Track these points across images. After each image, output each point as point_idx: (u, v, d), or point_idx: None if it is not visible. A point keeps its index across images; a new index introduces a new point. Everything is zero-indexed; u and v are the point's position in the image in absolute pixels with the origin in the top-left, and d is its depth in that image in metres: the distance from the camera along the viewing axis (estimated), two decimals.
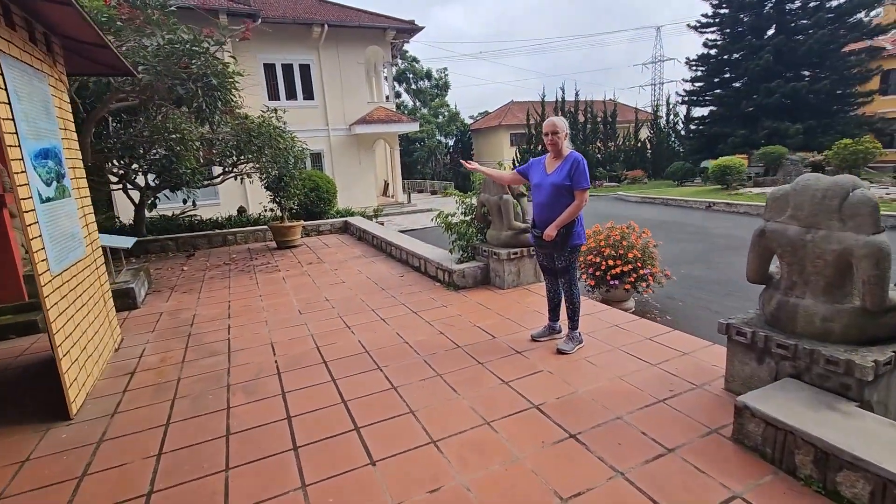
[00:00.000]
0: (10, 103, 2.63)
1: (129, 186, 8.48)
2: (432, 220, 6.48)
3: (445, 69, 38.67)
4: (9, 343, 4.35)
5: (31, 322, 4.52)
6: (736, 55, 25.52)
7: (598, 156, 29.16)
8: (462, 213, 5.86)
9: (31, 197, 2.75)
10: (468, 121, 39.48)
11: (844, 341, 2.29)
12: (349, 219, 10.34)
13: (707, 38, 26.80)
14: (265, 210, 9.66)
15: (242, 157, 8.43)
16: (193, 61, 5.86)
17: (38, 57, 3.19)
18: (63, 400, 2.89)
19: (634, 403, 2.72)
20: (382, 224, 11.16)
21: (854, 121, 22.78)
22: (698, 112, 28.90)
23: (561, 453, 2.32)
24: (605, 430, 2.48)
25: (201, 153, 7.96)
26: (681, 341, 3.55)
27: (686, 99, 28.59)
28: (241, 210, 11.79)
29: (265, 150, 8.04)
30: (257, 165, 8.37)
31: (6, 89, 2.60)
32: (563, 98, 30.01)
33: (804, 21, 23.30)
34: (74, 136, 3.89)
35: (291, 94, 17.33)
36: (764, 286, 2.69)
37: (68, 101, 3.89)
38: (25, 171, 2.72)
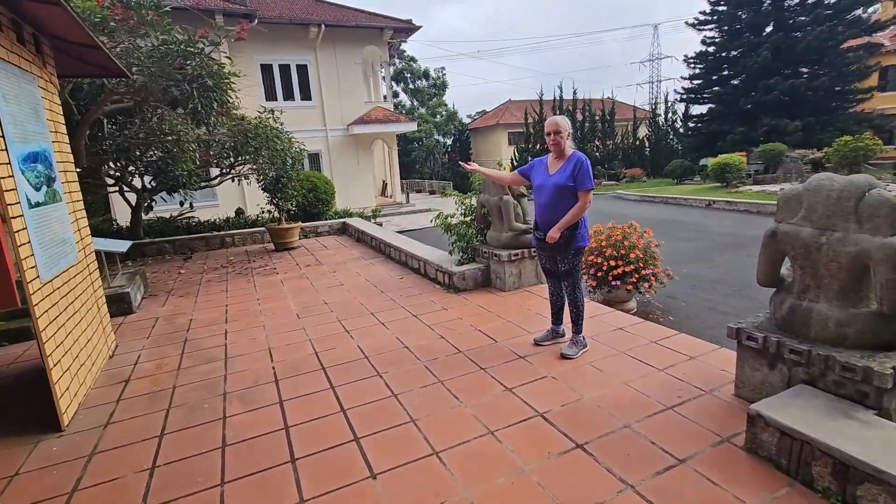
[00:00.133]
0: None
1: (125, 189, 8.40)
2: (431, 220, 6.41)
3: (443, 68, 38.76)
4: (1, 350, 4.27)
5: (24, 328, 4.43)
6: (734, 52, 25.51)
7: (597, 154, 29.16)
8: (462, 214, 5.77)
9: (18, 202, 2.67)
10: (466, 120, 39.40)
11: (859, 346, 2.22)
12: (347, 220, 10.26)
13: (705, 36, 26.75)
14: (263, 211, 9.58)
15: (240, 158, 8.36)
16: (188, 62, 5.78)
17: (26, 58, 3.11)
18: (54, 411, 2.81)
19: (642, 411, 2.64)
20: (381, 225, 11.08)
21: (853, 117, 22.77)
22: (697, 110, 28.94)
23: (567, 465, 2.24)
24: (612, 440, 2.40)
25: (198, 155, 7.87)
26: (687, 344, 3.47)
27: (685, 97, 28.54)
28: (239, 212, 11.69)
29: (262, 152, 7.97)
30: (254, 167, 8.29)
31: None
32: (561, 96, 30.05)
33: (802, 18, 23.29)
34: (66, 138, 3.80)
35: (289, 95, 17.25)
36: (775, 289, 2.61)
37: (59, 103, 3.80)
38: (13, 176, 2.64)
